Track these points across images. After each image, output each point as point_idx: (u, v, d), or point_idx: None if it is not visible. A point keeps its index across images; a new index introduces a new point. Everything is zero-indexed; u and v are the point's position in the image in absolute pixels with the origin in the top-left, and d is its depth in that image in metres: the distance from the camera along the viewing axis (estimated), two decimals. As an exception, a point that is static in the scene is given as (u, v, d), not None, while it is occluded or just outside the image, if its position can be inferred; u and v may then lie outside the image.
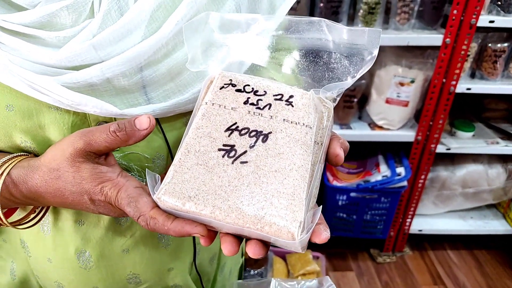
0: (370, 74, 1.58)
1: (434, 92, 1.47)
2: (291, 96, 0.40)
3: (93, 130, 0.38)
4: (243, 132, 0.38)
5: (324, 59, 0.41)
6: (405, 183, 1.59)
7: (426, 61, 1.46)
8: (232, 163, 0.36)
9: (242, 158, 0.37)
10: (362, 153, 1.80)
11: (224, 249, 0.36)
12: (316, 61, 0.41)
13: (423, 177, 1.66)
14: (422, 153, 1.61)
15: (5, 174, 0.41)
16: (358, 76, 0.39)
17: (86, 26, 0.42)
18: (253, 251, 0.35)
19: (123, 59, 0.42)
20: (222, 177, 0.36)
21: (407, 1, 1.34)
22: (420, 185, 1.68)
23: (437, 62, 1.41)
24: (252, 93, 0.40)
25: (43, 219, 0.50)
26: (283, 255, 1.66)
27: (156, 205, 0.38)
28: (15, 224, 0.47)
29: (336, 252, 1.88)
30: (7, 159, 0.43)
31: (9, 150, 0.46)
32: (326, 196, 1.70)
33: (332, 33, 0.40)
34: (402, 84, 1.51)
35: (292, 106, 0.39)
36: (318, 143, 0.39)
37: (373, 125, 1.63)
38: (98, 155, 0.40)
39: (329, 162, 0.40)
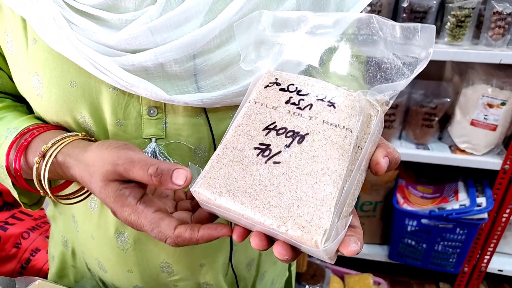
0: (455, 92, 1.46)
1: (529, 117, 1.31)
2: (334, 97, 0.38)
3: (135, 162, 0.39)
4: (280, 132, 0.37)
5: (376, 59, 0.38)
6: (485, 215, 1.43)
7: (522, 81, 1.31)
8: (265, 162, 0.36)
9: (276, 158, 0.36)
10: (440, 178, 1.66)
11: (252, 241, 0.35)
12: (368, 60, 0.38)
13: (508, 211, 1.48)
14: (508, 184, 1.44)
15: (52, 156, 0.45)
16: (412, 77, 0.36)
17: (147, 11, 0.43)
18: (278, 251, 0.34)
19: (177, 45, 0.44)
20: (253, 175, 0.36)
21: (503, 15, 1.21)
22: (504, 219, 1.50)
23: (535, 84, 1.25)
24: (295, 92, 0.39)
25: (91, 195, 0.53)
26: (342, 275, 1.58)
27: (178, 224, 0.40)
28: (63, 198, 0.50)
29: (401, 280, 1.76)
30: (56, 141, 0.46)
31: (69, 124, 0.50)
32: (394, 219, 1.59)
33: (383, 30, 0.37)
34: (491, 106, 1.36)
35: (334, 107, 0.37)
36: (360, 148, 0.36)
37: (454, 148, 1.49)
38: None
39: (370, 171, 0.37)
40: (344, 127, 0.36)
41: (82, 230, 0.59)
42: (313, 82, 0.40)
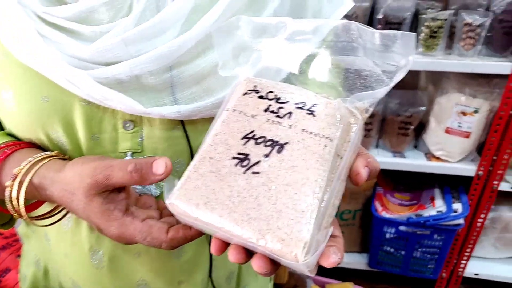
0: (430, 101, 1.49)
1: (500, 124, 1.35)
2: (314, 105, 0.37)
3: (113, 165, 0.39)
4: (259, 141, 0.36)
5: (356, 66, 0.38)
6: (461, 221, 1.46)
7: (493, 90, 1.35)
8: (244, 173, 0.35)
9: (254, 169, 0.35)
10: (416, 185, 1.69)
11: (230, 255, 0.34)
12: (347, 68, 0.38)
13: (482, 216, 1.52)
14: (483, 190, 1.48)
15: (27, 181, 0.43)
16: (392, 85, 0.36)
17: (121, 23, 0.42)
18: (258, 264, 0.33)
19: (152, 57, 0.42)
20: (232, 186, 0.34)
21: (473, 26, 1.25)
22: (479, 224, 1.54)
23: (504, 92, 1.29)
24: (274, 100, 0.38)
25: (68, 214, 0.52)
26: (323, 284, 1.58)
27: (169, 227, 0.39)
28: (38, 218, 0.48)
29: (381, 288, 1.77)
30: (29, 163, 0.44)
31: (42, 141, 0.48)
32: (372, 227, 1.61)
33: (363, 37, 0.37)
34: (464, 114, 1.40)
35: (314, 115, 0.36)
36: (340, 157, 0.35)
37: (429, 156, 1.52)
38: (112, 189, 0.41)
39: (350, 180, 0.37)
40: (324, 135, 0.35)
41: (55, 248, 0.57)
42: (292, 89, 0.39)
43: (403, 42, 0.35)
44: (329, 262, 0.31)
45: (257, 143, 0.36)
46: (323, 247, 0.31)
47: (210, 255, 0.58)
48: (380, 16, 1.30)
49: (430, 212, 1.52)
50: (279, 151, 0.35)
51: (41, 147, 0.49)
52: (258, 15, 0.47)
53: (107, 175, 0.38)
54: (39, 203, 0.52)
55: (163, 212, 0.45)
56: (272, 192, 0.33)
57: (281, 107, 0.38)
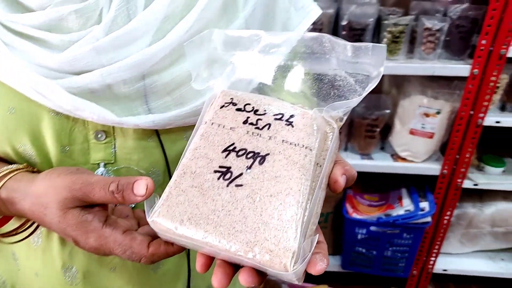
0: (394, 104, 1.54)
1: (461, 124, 1.40)
2: (291, 116, 0.37)
3: (93, 183, 0.37)
4: (240, 153, 0.36)
5: (329, 77, 0.38)
6: (429, 219, 1.51)
7: (453, 92, 1.40)
8: (227, 186, 0.35)
9: (238, 181, 0.35)
10: (384, 186, 1.73)
11: (214, 280, 0.34)
12: (320, 78, 0.39)
13: (448, 213, 1.58)
14: (447, 188, 1.53)
15: None
16: (364, 94, 0.37)
17: (92, 31, 0.42)
18: (245, 279, 0.33)
19: (125, 65, 0.42)
20: (216, 200, 0.34)
21: (433, 31, 1.30)
22: (445, 221, 1.59)
23: (464, 93, 1.35)
24: (252, 112, 0.38)
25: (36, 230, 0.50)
26: (298, 288, 1.59)
27: (150, 241, 0.38)
28: (5, 236, 0.46)
29: (354, 288, 1.80)
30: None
31: (8, 155, 0.46)
32: (344, 229, 1.63)
33: (336, 49, 0.38)
34: (427, 115, 1.45)
35: (292, 126, 0.37)
36: (320, 165, 0.36)
37: (396, 157, 1.57)
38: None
39: (329, 188, 0.37)
40: (303, 145, 0.36)
41: (24, 268, 0.55)
42: (268, 101, 0.39)
43: (375, 54, 0.36)
44: (316, 269, 0.32)
45: (238, 156, 0.36)
46: (310, 255, 0.31)
47: (189, 267, 0.58)
48: (344, 23, 1.33)
49: (398, 211, 1.56)
50: (261, 163, 0.35)
51: (8, 162, 0.47)
52: (230, 24, 0.48)
53: (87, 192, 0.37)
54: (6, 219, 0.50)
55: (140, 222, 0.44)
56: (257, 204, 0.34)
57: (259, 119, 0.38)
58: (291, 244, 0.31)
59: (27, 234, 0.48)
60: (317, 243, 0.34)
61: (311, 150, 0.35)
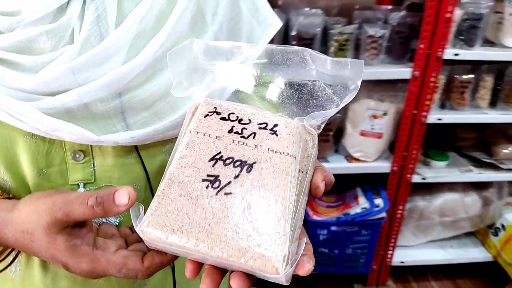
0: (344, 108, 1.61)
1: (406, 123, 1.50)
2: (275, 125, 0.39)
3: (72, 200, 0.36)
4: (227, 162, 0.37)
5: (308, 87, 0.40)
6: (384, 214, 1.59)
7: (397, 93, 1.50)
8: (216, 194, 0.35)
9: (226, 189, 0.36)
10: (340, 187, 1.80)
11: (235, 285, 0.34)
12: (300, 89, 0.41)
13: (401, 207, 1.67)
14: (398, 184, 1.63)
15: None
16: (342, 105, 0.39)
17: (65, 51, 0.41)
18: (237, 283, 0.34)
19: (101, 84, 0.42)
20: (206, 209, 0.35)
21: (375, 38, 1.39)
22: (399, 215, 1.69)
23: (407, 94, 1.45)
24: (237, 121, 0.39)
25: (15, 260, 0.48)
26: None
27: (143, 255, 0.38)
28: None
29: (319, 289, 1.84)
30: None
31: None
32: (307, 231, 1.67)
33: (316, 63, 0.40)
34: (375, 117, 1.54)
35: (277, 135, 0.38)
36: (302, 172, 0.38)
37: (349, 158, 1.64)
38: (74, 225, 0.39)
39: (310, 193, 0.39)
40: (288, 154, 0.37)
41: None
42: (252, 110, 0.40)
43: (353, 68, 0.38)
44: (304, 270, 0.33)
45: (225, 164, 0.37)
46: (298, 257, 0.33)
47: (174, 280, 0.58)
48: (294, 33, 1.39)
49: (355, 210, 1.63)
50: (248, 171, 0.36)
51: None
52: (199, 38, 0.49)
53: (67, 211, 0.36)
54: None
55: (128, 239, 0.43)
56: (246, 211, 0.34)
57: (244, 128, 0.39)
58: (282, 249, 0.33)
59: (6, 265, 0.46)
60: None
61: (295, 158, 0.37)
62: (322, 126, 0.40)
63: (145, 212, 0.36)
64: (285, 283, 0.34)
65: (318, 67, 0.40)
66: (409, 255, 1.81)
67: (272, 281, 0.34)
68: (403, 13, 1.40)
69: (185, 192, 0.36)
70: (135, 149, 0.48)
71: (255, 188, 0.36)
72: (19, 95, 0.41)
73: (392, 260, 1.79)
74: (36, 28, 0.41)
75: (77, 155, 0.46)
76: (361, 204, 1.64)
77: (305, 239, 0.35)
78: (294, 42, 1.40)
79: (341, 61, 0.38)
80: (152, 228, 0.34)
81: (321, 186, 0.38)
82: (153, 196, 0.52)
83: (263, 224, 0.34)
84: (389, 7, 1.52)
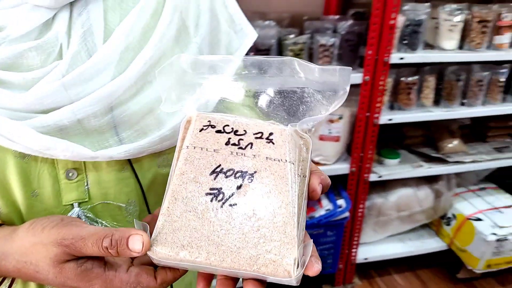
0: (301, 114, 1.67)
1: (361, 125, 1.58)
2: (271, 134, 0.40)
3: (85, 238, 0.35)
4: (228, 174, 0.38)
5: (298, 94, 0.42)
6: (347, 214, 1.65)
7: (350, 98, 1.58)
8: (221, 206, 0.36)
9: (231, 201, 0.36)
10: (302, 191, 1.85)
11: None
12: (290, 96, 0.42)
13: (361, 206, 1.74)
14: (357, 184, 1.70)
15: None
16: (331, 110, 0.40)
17: (56, 67, 0.41)
18: None
19: (95, 98, 0.42)
20: (213, 222, 0.36)
21: (327, 46, 1.46)
22: (360, 214, 1.76)
23: (359, 98, 1.53)
24: (233, 133, 0.40)
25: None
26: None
27: (155, 271, 0.38)
28: None
29: (289, 293, 1.87)
30: None
31: None
32: (274, 237, 1.70)
33: (305, 71, 0.41)
34: (331, 121, 1.61)
35: (273, 143, 0.39)
36: (301, 176, 0.39)
37: (310, 163, 1.69)
38: None
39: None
40: (286, 160, 0.38)
41: None
42: (245, 120, 0.41)
43: (341, 75, 0.40)
44: (314, 270, 0.35)
45: (227, 176, 0.38)
46: (306, 259, 0.34)
47: None
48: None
49: (320, 212, 1.68)
50: (250, 181, 0.37)
51: None
52: (184, 50, 0.49)
53: (79, 247, 0.36)
54: None
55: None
56: (253, 220, 0.36)
57: (241, 139, 0.40)
58: (291, 252, 0.34)
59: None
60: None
61: (293, 163, 0.38)
62: (313, 129, 0.42)
63: (151, 232, 0.36)
64: (295, 285, 0.35)
65: (307, 74, 0.41)
66: (371, 252, 1.89)
67: (284, 283, 0.35)
68: (350, 22, 1.48)
69: (190, 207, 0.36)
70: (128, 163, 0.48)
71: (259, 197, 0.37)
72: (10, 114, 0.40)
73: (356, 257, 1.85)
74: (24, 44, 0.40)
75: (70, 174, 0.46)
76: (324, 206, 1.69)
77: (311, 241, 0.37)
78: (252, 54, 1.44)
79: (329, 69, 0.40)
80: (162, 247, 0.35)
81: (318, 189, 0.39)
82: (148, 209, 0.52)
83: (271, 231, 0.35)
84: (336, 16, 1.60)
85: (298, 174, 0.38)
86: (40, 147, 0.40)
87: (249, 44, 0.58)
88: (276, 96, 0.43)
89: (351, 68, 0.40)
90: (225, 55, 0.44)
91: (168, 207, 0.36)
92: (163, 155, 0.52)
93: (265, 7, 1.65)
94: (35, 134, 0.40)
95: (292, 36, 1.45)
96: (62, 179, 0.45)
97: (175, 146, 0.40)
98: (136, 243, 0.35)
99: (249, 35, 0.58)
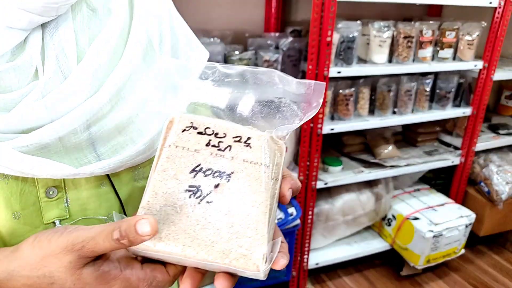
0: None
1: (306, 136, 1.67)
2: (249, 138, 0.43)
3: (95, 237, 0.36)
4: (207, 173, 0.41)
5: (276, 103, 0.45)
6: (298, 221, 1.72)
7: (295, 110, 1.66)
8: (199, 203, 0.39)
9: (208, 198, 0.40)
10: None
11: (219, 285, 0.38)
12: (268, 104, 0.45)
13: (310, 213, 1.82)
14: (306, 191, 1.78)
15: None
16: (305, 120, 0.44)
17: (35, 87, 0.42)
18: (221, 283, 0.38)
19: (76, 116, 0.43)
20: (190, 217, 0.39)
21: (271, 61, 1.54)
22: (309, 221, 1.84)
23: (304, 110, 1.62)
24: (213, 135, 0.43)
25: None
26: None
27: (166, 266, 0.40)
28: None
29: (246, 305, 1.89)
30: None
31: None
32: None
33: (283, 83, 0.44)
34: (278, 133, 1.68)
35: (250, 147, 0.42)
36: (274, 179, 0.42)
37: (259, 174, 1.74)
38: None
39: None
40: (261, 163, 0.41)
41: None
42: (226, 125, 0.43)
43: (315, 89, 0.43)
44: (280, 265, 0.38)
45: (205, 175, 0.41)
46: (274, 255, 0.38)
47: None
48: (197, 62, 1.47)
49: (271, 222, 1.73)
50: (227, 181, 0.41)
51: None
52: (151, 67, 0.51)
53: (92, 248, 0.36)
54: None
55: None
56: (228, 217, 0.39)
57: (221, 141, 0.43)
58: (261, 248, 0.37)
59: None
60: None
61: (268, 167, 0.42)
62: (287, 136, 0.45)
63: None
64: (263, 278, 0.39)
65: (285, 86, 0.44)
66: (321, 256, 1.97)
67: (252, 277, 0.39)
68: (290, 39, 1.58)
69: (169, 202, 0.39)
70: (107, 178, 0.49)
71: (234, 196, 0.40)
72: None
73: (308, 263, 1.92)
74: (3, 65, 0.41)
75: (51, 192, 0.46)
76: (276, 215, 1.75)
77: (280, 238, 0.40)
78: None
79: (305, 82, 0.43)
80: None
81: (287, 195, 0.43)
82: None
83: (244, 227, 0.39)
84: (277, 34, 1.70)
85: (271, 177, 0.42)
86: (23, 168, 0.40)
87: (204, 61, 0.60)
88: (256, 104, 0.46)
89: (325, 83, 0.44)
90: (211, 63, 0.46)
91: (149, 201, 0.39)
92: (139, 168, 0.53)
93: (208, 25, 1.71)
94: (19, 155, 0.40)
95: (237, 52, 1.51)
96: (42, 198, 0.45)
97: (152, 158, 0.41)
98: (144, 226, 0.35)
99: (203, 52, 0.62)
